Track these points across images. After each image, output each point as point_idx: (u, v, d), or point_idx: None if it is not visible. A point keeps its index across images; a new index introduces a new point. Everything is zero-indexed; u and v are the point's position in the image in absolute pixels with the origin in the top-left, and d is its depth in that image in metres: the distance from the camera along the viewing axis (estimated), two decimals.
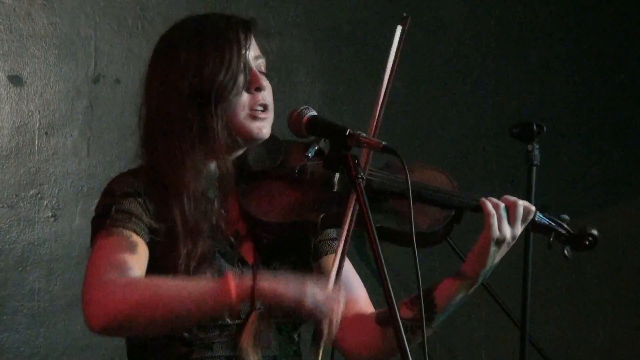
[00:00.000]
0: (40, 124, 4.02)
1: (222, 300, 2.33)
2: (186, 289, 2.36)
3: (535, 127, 3.70)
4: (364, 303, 2.69)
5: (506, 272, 3.85)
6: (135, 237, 2.46)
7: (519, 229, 2.58)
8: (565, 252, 2.68)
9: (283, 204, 2.57)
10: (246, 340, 2.51)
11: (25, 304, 3.97)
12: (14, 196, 3.97)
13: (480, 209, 2.57)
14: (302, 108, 2.53)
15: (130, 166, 2.61)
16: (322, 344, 2.37)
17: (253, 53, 2.59)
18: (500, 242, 2.56)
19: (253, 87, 2.57)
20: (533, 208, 2.60)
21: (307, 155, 2.50)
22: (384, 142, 2.44)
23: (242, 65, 2.55)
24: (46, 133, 4.02)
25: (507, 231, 2.56)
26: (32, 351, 3.98)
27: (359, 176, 2.40)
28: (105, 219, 2.48)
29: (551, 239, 2.67)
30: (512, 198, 2.59)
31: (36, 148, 4.01)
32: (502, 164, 4.92)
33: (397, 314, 2.29)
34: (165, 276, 2.44)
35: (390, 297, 2.31)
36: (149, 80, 2.59)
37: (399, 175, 2.55)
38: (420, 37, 4.82)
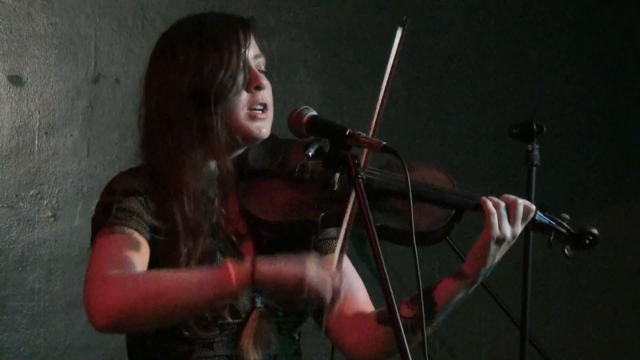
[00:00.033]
0: (40, 124, 4.02)
1: (222, 286, 2.33)
2: (187, 278, 2.37)
3: (535, 127, 3.70)
4: (364, 302, 2.69)
5: (506, 272, 3.85)
6: (137, 235, 2.46)
7: (519, 228, 2.58)
8: (566, 251, 2.69)
9: (283, 203, 2.57)
10: (247, 339, 2.51)
11: (25, 304, 3.97)
12: (14, 196, 3.97)
13: (480, 208, 2.57)
14: (302, 108, 2.53)
15: (131, 166, 2.61)
16: (326, 318, 2.37)
17: (252, 52, 2.59)
18: (500, 241, 2.56)
19: (253, 86, 2.57)
20: (533, 207, 2.60)
21: (307, 155, 2.50)
22: (384, 142, 2.45)
23: (241, 64, 2.55)
24: (46, 133, 4.02)
25: (508, 230, 2.56)
26: (32, 351, 3.98)
27: (359, 176, 2.40)
28: (107, 218, 2.48)
29: (551, 238, 2.67)
30: (512, 197, 2.59)
31: (36, 148, 4.01)
32: (502, 164, 4.92)
33: (397, 313, 2.29)
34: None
35: (390, 297, 2.31)
36: (149, 80, 2.59)
37: (399, 174, 2.55)
38: (420, 37, 4.82)
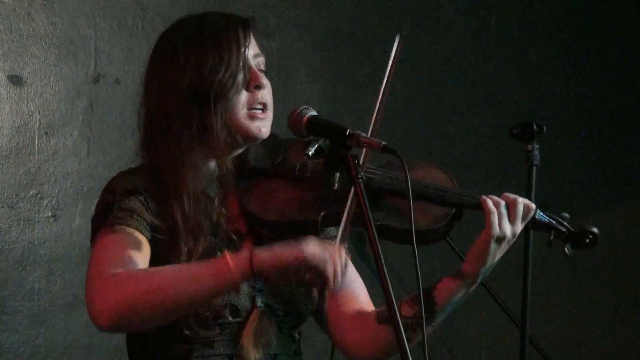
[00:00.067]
0: (40, 124, 4.02)
1: (222, 276, 2.33)
2: (186, 271, 2.38)
3: (535, 127, 3.69)
4: (364, 302, 2.69)
5: (506, 271, 3.85)
6: (138, 235, 2.46)
7: (520, 227, 2.58)
8: (566, 250, 2.69)
9: (283, 202, 2.57)
10: (247, 338, 2.51)
11: (25, 304, 3.97)
12: (14, 196, 3.97)
13: (480, 207, 2.57)
14: (302, 108, 2.54)
15: (130, 166, 2.61)
16: (326, 296, 2.37)
17: (252, 51, 2.59)
18: (500, 239, 2.56)
19: (252, 85, 2.57)
20: (533, 206, 2.60)
21: (308, 154, 2.50)
22: (384, 142, 2.45)
23: (241, 63, 2.56)
24: (46, 133, 4.02)
25: (508, 229, 2.56)
26: (32, 351, 3.98)
27: (359, 176, 2.40)
28: (107, 217, 2.48)
29: (551, 237, 2.67)
30: (512, 196, 2.59)
31: (36, 148, 4.01)
32: (502, 164, 4.92)
33: (397, 313, 2.29)
34: None
35: (390, 297, 2.31)
36: (149, 79, 2.59)
37: (399, 173, 2.56)
38: (420, 37, 4.82)
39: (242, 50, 2.57)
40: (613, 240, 5.06)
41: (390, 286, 2.30)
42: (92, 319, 2.37)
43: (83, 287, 2.43)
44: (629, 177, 5.26)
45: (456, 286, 2.59)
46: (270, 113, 2.61)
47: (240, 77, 2.56)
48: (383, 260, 2.33)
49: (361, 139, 2.46)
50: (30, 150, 4.00)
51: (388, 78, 2.62)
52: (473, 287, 2.60)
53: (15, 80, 3.99)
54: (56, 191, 4.03)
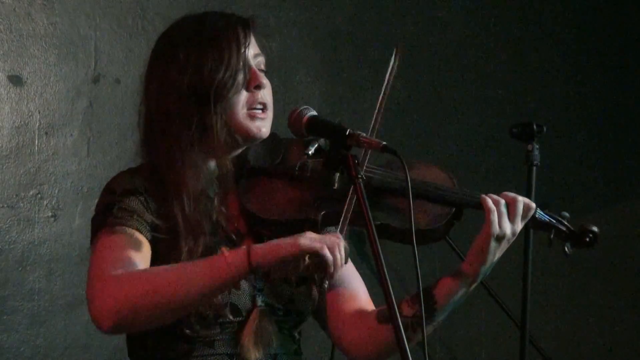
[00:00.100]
0: (40, 124, 4.02)
1: (220, 272, 2.33)
2: (185, 269, 2.38)
3: (535, 127, 3.70)
4: (364, 301, 2.69)
5: (506, 271, 3.85)
6: (138, 235, 2.46)
7: (519, 225, 2.58)
8: (566, 249, 2.69)
9: (283, 202, 2.57)
10: (247, 338, 2.51)
11: (25, 304, 3.97)
12: (14, 196, 3.97)
13: (480, 206, 2.57)
14: (302, 108, 2.53)
15: (130, 166, 2.61)
16: (326, 284, 2.37)
17: (252, 51, 2.59)
18: (500, 238, 2.56)
19: (252, 85, 2.57)
20: (533, 205, 2.60)
21: (307, 153, 2.50)
22: (384, 142, 2.45)
23: (241, 63, 2.56)
24: (46, 133, 4.02)
25: (507, 227, 2.56)
26: (32, 351, 3.98)
27: (359, 176, 2.41)
28: (107, 217, 2.48)
29: (552, 236, 2.67)
30: (512, 194, 2.59)
31: (36, 148, 4.01)
32: (502, 164, 4.92)
33: (397, 313, 2.29)
34: None
35: (390, 297, 2.31)
36: (148, 79, 2.59)
37: (399, 172, 2.56)
38: (420, 37, 4.82)
39: (242, 50, 2.57)
40: (613, 240, 5.06)
41: (390, 286, 2.30)
42: (94, 321, 2.37)
43: (83, 287, 2.43)
44: (629, 177, 5.26)
45: (456, 285, 2.59)
46: (270, 113, 2.61)
47: (240, 77, 2.56)
48: (383, 260, 2.33)
49: (361, 139, 2.46)
50: (30, 150, 4.00)
51: (386, 90, 2.62)
52: (473, 286, 2.60)
53: (15, 80, 3.99)
54: (56, 191, 4.03)
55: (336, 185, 2.54)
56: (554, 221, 2.67)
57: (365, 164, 2.57)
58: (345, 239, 2.40)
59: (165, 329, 2.48)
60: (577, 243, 2.69)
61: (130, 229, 2.46)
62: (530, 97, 5.07)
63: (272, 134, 2.62)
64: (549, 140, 4.24)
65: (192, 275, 2.35)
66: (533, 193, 3.63)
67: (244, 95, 2.57)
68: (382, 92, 2.61)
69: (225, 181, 2.59)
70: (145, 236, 2.48)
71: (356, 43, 4.68)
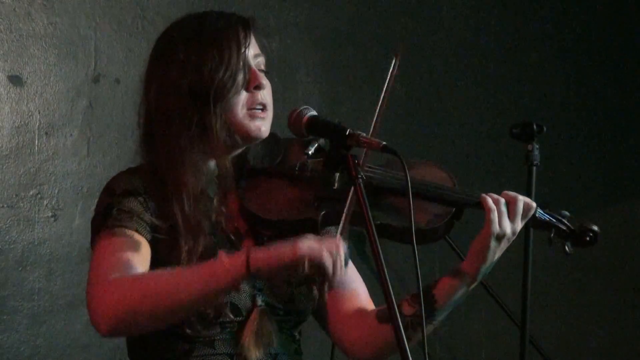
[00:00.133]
0: (40, 124, 4.02)
1: (219, 277, 2.32)
2: (184, 274, 2.37)
3: (535, 127, 3.70)
4: (364, 300, 2.69)
5: (506, 271, 3.85)
6: (137, 236, 2.46)
7: (519, 225, 2.58)
8: (566, 248, 2.69)
9: (283, 201, 2.57)
10: (248, 337, 2.51)
11: (25, 304, 3.97)
12: (14, 196, 3.97)
13: (480, 205, 2.57)
14: (302, 108, 2.53)
15: (130, 166, 2.61)
16: (326, 291, 2.36)
17: (252, 51, 2.59)
18: (500, 237, 2.56)
19: (252, 85, 2.57)
20: (534, 204, 2.60)
21: (307, 153, 2.50)
22: (384, 142, 2.45)
23: (241, 63, 2.55)
24: (46, 133, 4.02)
25: (508, 227, 2.56)
26: (32, 351, 3.98)
27: (359, 176, 2.41)
28: (106, 219, 2.48)
29: (552, 235, 2.67)
30: (512, 193, 2.59)
31: (36, 148, 4.01)
32: (502, 164, 4.92)
33: (397, 314, 2.29)
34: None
35: (390, 297, 2.31)
36: (148, 79, 2.59)
37: (399, 172, 2.56)
38: (420, 37, 4.82)
39: (242, 50, 2.57)
40: (613, 240, 5.06)
41: (390, 286, 2.30)
42: (93, 324, 2.37)
43: (83, 287, 2.43)
44: (629, 177, 5.26)
45: (456, 284, 2.59)
46: (270, 113, 2.60)
47: (240, 77, 2.55)
48: (383, 260, 2.33)
49: (361, 139, 2.46)
50: (30, 150, 4.00)
51: (385, 93, 2.62)
52: (473, 286, 2.60)
53: (15, 80, 3.99)
54: (56, 191, 4.03)
55: (336, 185, 2.54)
56: (554, 220, 2.67)
57: (366, 164, 2.57)
58: (345, 239, 2.39)
59: (166, 329, 2.48)
60: (577, 242, 2.69)
61: (129, 230, 2.46)
62: (530, 97, 5.07)
63: (272, 134, 2.62)
64: (549, 140, 4.24)
65: (190, 280, 2.35)
66: (533, 193, 3.63)
67: (243, 95, 2.57)
68: (382, 97, 2.61)
69: (225, 181, 2.58)
70: (144, 237, 2.47)
71: (356, 43, 4.69)
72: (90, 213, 2.55)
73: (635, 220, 5.25)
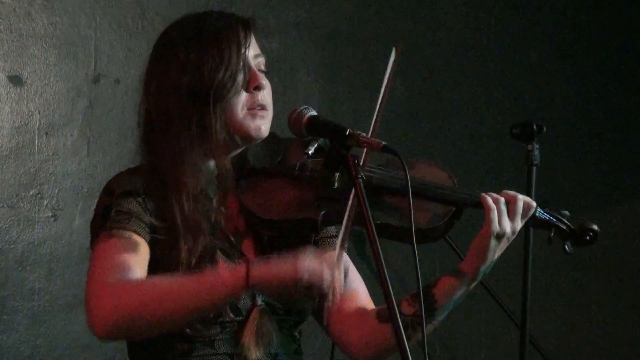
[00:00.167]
0: (40, 124, 4.02)
1: (217, 290, 2.33)
2: (182, 283, 2.37)
3: (535, 127, 3.70)
4: (364, 300, 2.69)
5: (506, 271, 3.85)
6: (136, 237, 2.46)
7: (519, 224, 2.58)
8: (566, 247, 2.69)
9: (283, 201, 2.57)
10: (248, 337, 2.51)
11: (25, 304, 3.97)
12: (14, 196, 3.97)
13: (480, 205, 2.57)
14: (302, 108, 2.53)
15: (130, 166, 2.61)
16: (327, 310, 2.36)
17: (252, 52, 2.59)
18: (500, 236, 2.56)
19: (252, 86, 2.57)
20: (534, 203, 2.60)
21: (307, 153, 2.50)
22: (384, 142, 2.45)
23: (241, 64, 2.55)
24: (46, 133, 4.02)
25: (507, 226, 2.56)
26: (32, 351, 3.98)
27: (359, 176, 2.40)
28: (105, 221, 2.48)
29: (552, 234, 2.67)
30: (512, 192, 2.59)
31: (36, 148, 4.01)
32: (502, 164, 4.92)
33: (397, 313, 2.29)
34: (166, 272, 2.45)
35: (390, 297, 2.31)
36: (148, 78, 2.59)
37: (399, 171, 2.55)
38: (420, 37, 4.82)
39: (243, 50, 2.56)
40: (613, 240, 5.06)
41: (390, 286, 2.30)
42: (90, 326, 2.38)
43: (83, 287, 2.43)
44: (629, 177, 5.26)
45: (456, 284, 2.59)
46: (270, 113, 2.60)
47: (240, 78, 2.55)
48: (383, 260, 2.33)
49: (361, 139, 2.46)
50: (30, 150, 4.00)
51: (386, 89, 2.62)
52: (473, 285, 2.60)
53: (15, 80, 3.99)
54: (56, 191, 4.03)
55: (336, 184, 2.54)
56: (554, 219, 2.67)
57: (366, 164, 2.57)
58: (345, 249, 2.39)
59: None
60: (577, 241, 2.69)
61: (127, 232, 2.46)
62: (530, 97, 5.06)
63: (272, 134, 2.62)
64: (549, 140, 4.24)
65: (189, 290, 2.35)
66: (533, 193, 3.64)
67: (243, 96, 2.56)
68: (382, 91, 2.61)
69: (224, 181, 2.58)
70: (143, 238, 2.47)
71: (356, 43, 4.68)
72: (90, 213, 2.55)
73: (635, 220, 5.25)
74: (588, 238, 2.68)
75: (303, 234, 2.61)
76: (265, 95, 2.60)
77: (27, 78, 4.00)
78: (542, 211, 2.66)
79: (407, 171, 2.41)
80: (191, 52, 2.54)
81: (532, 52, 5.09)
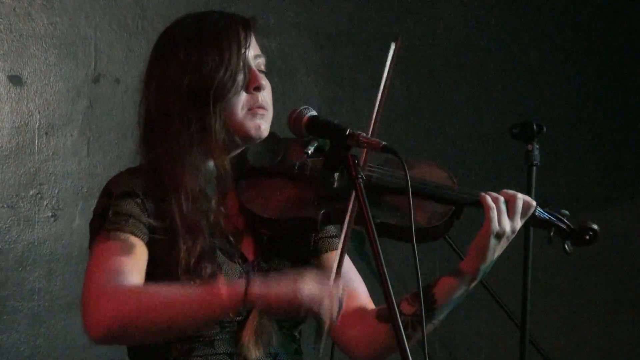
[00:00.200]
0: (40, 124, 4.02)
1: (214, 307, 2.33)
2: (179, 295, 2.36)
3: (535, 127, 3.70)
4: (364, 299, 2.69)
5: (506, 271, 3.85)
6: (133, 239, 2.46)
7: (519, 223, 2.58)
8: (566, 247, 2.69)
9: (283, 201, 2.57)
10: (247, 337, 2.51)
11: (25, 304, 3.97)
12: (14, 196, 3.97)
13: (480, 204, 2.57)
14: (302, 108, 2.53)
15: (130, 166, 2.61)
16: (324, 337, 2.36)
17: (253, 52, 2.59)
18: (500, 235, 2.56)
19: (252, 86, 2.57)
20: (533, 202, 2.60)
21: (307, 152, 2.50)
22: (384, 142, 2.45)
23: (241, 64, 2.55)
24: (46, 133, 4.02)
25: (507, 225, 2.56)
26: (32, 351, 3.98)
27: (359, 176, 2.40)
28: (103, 222, 2.47)
29: (551, 234, 2.67)
30: (511, 192, 2.59)
31: (36, 148, 4.01)
32: (502, 164, 4.92)
33: (397, 313, 2.29)
34: (166, 273, 2.45)
35: (390, 297, 2.31)
36: (148, 78, 2.58)
37: (398, 171, 2.56)
38: (420, 37, 4.82)
39: (243, 50, 2.56)
40: (613, 239, 5.06)
41: (390, 286, 2.30)
42: (84, 329, 2.38)
43: (80, 296, 2.44)
44: (629, 177, 5.26)
45: (456, 283, 2.59)
46: (269, 114, 2.60)
47: (240, 78, 2.55)
48: (383, 260, 2.33)
49: (361, 138, 2.46)
50: (30, 150, 4.00)
51: (386, 83, 2.62)
52: (473, 285, 2.60)
53: (15, 80, 3.99)
54: (56, 191, 4.03)
55: (336, 184, 2.54)
56: (554, 219, 2.68)
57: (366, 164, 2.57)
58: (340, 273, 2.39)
59: None
60: (577, 241, 2.69)
61: (124, 234, 2.45)
62: (530, 97, 5.07)
63: (272, 134, 2.62)
64: (549, 140, 4.24)
65: (185, 303, 2.35)
66: (533, 193, 3.64)
67: (243, 96, 2.56)
68: (382, 84, 2.61)
69: (223, 181, 2.58)
70: (141, 239, 2.47)
71: (356, 43, 4.69)
72: (90, 213, 2.55)
73: (635, 220, 5.25)
74: (588, 237, 2.69)
75: (303, 233, 2.61)
76: (265, 96, 2.59)
77: (27, 78, 4.00)
78: (541, 210, 2.66)
79: (407, 171, 2.41)
80: (191, 52, 2.53)
81: (532, 52, 5.09)
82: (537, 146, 3.70)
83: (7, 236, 3.95)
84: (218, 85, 2.52)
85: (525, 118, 3.78)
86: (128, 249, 2.44)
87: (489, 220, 2.54)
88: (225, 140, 2.55)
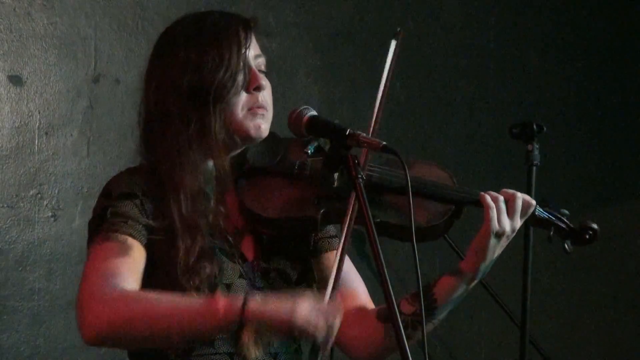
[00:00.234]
0: (40, 124, 4.02)
1: (210, 321, 2.32)
2: (176, 306, 2.35)
3: (535, 127, 3.71)
4: (363, 299, 2.69)
5: (506, 271, 3.85)
6: (131, 241, 2.45)
7: (519, 222, 2.58)
8: (566, 246, 2.69)
9: (283, 200, 2.57)
10: (248, 337, 2.50)
11: (25, 304, 3.97)
12: (14, 196, 3.97)
13: (479, 203, 2.57)
14: (302, 108, 2.53)
15: (130, 165, 2.61)
16: (320, 357, 2.36)
17: (253, 52, 2.59)
18: (499, 235, 2.56)
19: (252, 86, 2.56)
20: (533, 202, 2.60)
21: (307, 152, 2.50)
22: (384, 142, 2.44)
23: (241, 64, 2.55)
24: (46, 133, 4.02)
25: (507, 224, 2.56)
26: (32, 351, 3.98)
27: (359, 176, 2.41)
28: (101, 223, 2.47)
29: (551, 233, 2.68)
30: (511, 191, 2.59)
31: (36, 148, 4.01)
32: (502, 164, 4.92)
33: (397, 314, 2.29)
34: (165, 273, 2.45)
35: (390, 297, 2.31)
36: (148, 78, 2.58)
37: (398, 170, 2.56)
38: (420, 37, 4.82)
39: (243, 50, 2.56)
40: (613, 240, 5.06)
41: (390, 286, 2.30)
42: (79, 331, 2.38)
43: (76, 298, 2.44)
44: (629, 177, 5.26)
45: (456, 283, 2.59)
46: (269, 114, 2.60)
47: (240, 78, 2.55)
48: (383, 260, 2.33)
49: (361, 139, 2.46)
50: (30, 150, 4.00)
51: (386, 80, 2.62)
52: (473, 284, 2.60)
53: (15, 80, 3.99)
54: (56, 191, 4.03)
55: (335, 183, 2.54)
56: (554, 218, 2.68)
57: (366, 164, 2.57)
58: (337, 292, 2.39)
59: None
60: (577, 240, 2.69)
61: (122, 236, 2.45)
62: (530, 97, 5.07)
63: (272, 134, 2.62)
64: (549, 140, 4.24)
65: (181, 314, 2.33)
66: (533, 193, 3.64)
67: (243, 96, 2.56)
68: (383, 80, 2.60)
69: (223, 181, 2.58)
70: (139, 241, 2.46)
71: (356, 43, 4.69)
72: (90, 213, 2.55)
73: (635, 220, 5.25)
74: (588, 237, 2.69)
75: (303, 233, 2.61)
76: (266, 96, 2.59)
77: (27, 78, 4.00)
78: (541, 210, 2.66)
79: (406, 170, 2.41)
80: (191, 52, 2.53)
81: (532, 52, 5.09)
82: (537, 146, 3.71)
83: (7, 236, 3.95)
84: (218, 85, 2.52)
85: (525, 118, 3.78)
86: (125, 251, 2.44)
87: (489, 219, 2.54)
88: (225, 140, 2.54)
